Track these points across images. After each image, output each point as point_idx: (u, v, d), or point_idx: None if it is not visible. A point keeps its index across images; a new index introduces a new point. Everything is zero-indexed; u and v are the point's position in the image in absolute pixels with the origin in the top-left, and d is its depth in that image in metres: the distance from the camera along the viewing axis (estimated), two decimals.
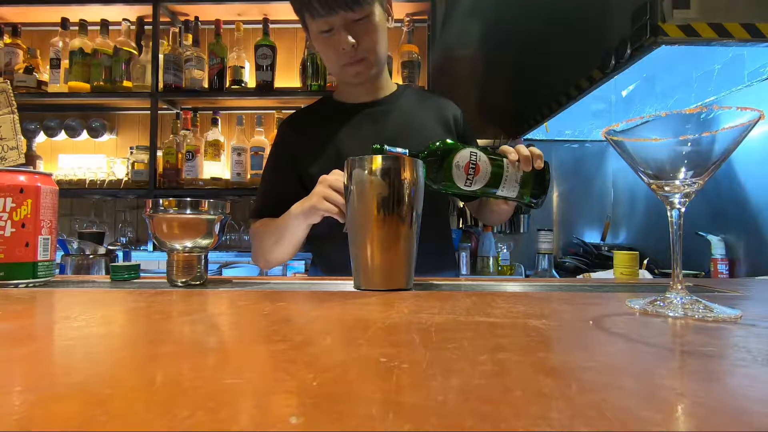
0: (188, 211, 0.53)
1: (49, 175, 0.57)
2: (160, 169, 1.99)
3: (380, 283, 0.51)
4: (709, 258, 1.44)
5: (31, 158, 2.06)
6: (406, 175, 0.52)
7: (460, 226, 2.16)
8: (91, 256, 1.07)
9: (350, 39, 0.83)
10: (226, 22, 2.04)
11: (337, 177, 0.72)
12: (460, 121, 1.00)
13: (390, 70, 1.90)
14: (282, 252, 0.87)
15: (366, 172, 0.52)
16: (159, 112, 1.99)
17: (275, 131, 1.98)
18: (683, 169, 0.37)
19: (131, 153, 2.00)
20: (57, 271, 0.66)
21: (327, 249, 0.95)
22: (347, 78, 0.91)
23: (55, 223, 0.58)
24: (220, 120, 2.04)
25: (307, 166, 0.92)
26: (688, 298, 0.38)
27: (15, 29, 2.05)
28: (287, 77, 2.10)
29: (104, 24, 2.00)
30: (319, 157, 0.91)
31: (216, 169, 2.01)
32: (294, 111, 1.06)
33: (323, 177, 0.73)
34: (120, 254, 1.97)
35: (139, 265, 0.63)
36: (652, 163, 0.38)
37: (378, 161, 0.52)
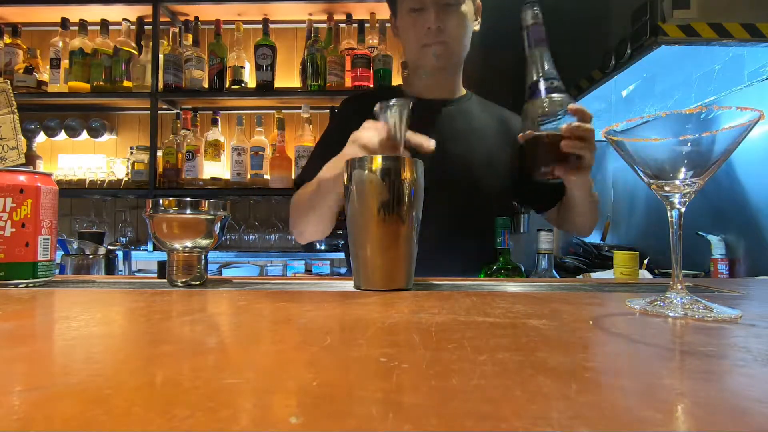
0: (188, 211, 0.53)
1: (49, 175, 0.57)
2: (160, 169, 1.99)
3: (380, 283, 0.51)
4: (709, 258, 1.44)
5: (31, 158, 2.07)
6: (406, 175, 0.52)
7: None
8: (91, 256, 1.07)
9: (436, 21, 0.85)
10: (226, 22, 2.04)
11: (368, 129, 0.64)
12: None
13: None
14: (314, 222, 0.83)
15: (366, 172, 0.52)
16: (159, 112, 1.99)
17: (275, 131, 2.00)
18: (683, 169, 0.37)
19: (131, 153, 2.00)
20: (57, 271, 0.66)
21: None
22: (425, 59, 0.90)
23: (55, 223, 0.57)
24: (220, 120, 2.04)
25: None
26: (688, 298, 0.38)
27: (15, 29, 2.05)
28: (287, 77, 2.10)
29: (104, 24, 2.00)
30: None
31: (216, 169, 2.01)
32: (360, 92, 1.05)
33: (354, 134, 0.66)
34: (120, 254, 1.97)
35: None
36: (652, 163, 0.38)
37: (378, 161, 0.52)
